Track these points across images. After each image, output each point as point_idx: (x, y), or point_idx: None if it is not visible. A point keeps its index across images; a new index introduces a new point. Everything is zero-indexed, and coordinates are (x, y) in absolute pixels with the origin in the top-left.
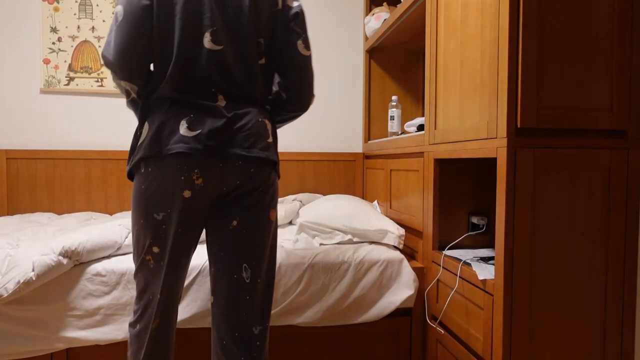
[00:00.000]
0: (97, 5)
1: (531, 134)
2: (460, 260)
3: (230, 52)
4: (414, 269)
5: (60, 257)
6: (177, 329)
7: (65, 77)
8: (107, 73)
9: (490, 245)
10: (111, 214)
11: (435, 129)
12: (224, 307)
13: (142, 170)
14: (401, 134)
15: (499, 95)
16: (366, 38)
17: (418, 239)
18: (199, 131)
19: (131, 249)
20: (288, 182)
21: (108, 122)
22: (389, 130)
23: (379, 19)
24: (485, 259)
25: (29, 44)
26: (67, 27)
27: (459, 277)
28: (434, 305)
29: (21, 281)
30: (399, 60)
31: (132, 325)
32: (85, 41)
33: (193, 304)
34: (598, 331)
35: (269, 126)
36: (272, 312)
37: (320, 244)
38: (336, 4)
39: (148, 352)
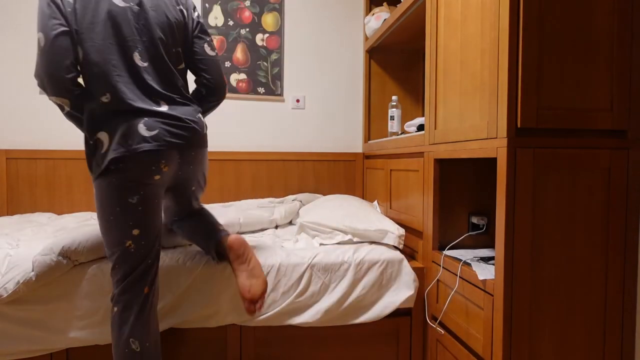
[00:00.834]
0: None
1: (531, 134)
2: (460, 260)
3: (157, 65)
4: (414, 269)
5: (60, 258)
6: (176, 329)
7: None
8: None
9: (490, 245)
10: None
11: (435, 129)
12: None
13: (113, 168)
14: (401, 134)
15: (499, 95)
16: (366, 38)
17: (418, 239)
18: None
19: None
20: (288, 182)
21: None
22: (389, 130)
23: (379, 19)
24: (485, 259)
25: (29, 43)
26: None
27: (459, 277)
28: (434, 305)
29: (21, 281)
30: (399, 60)
31: (126, 309)
32: None
33: (191, 306)
34: (598, 331)
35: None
36: (272, 312)
37: (320, 244)
38: (336, 4)
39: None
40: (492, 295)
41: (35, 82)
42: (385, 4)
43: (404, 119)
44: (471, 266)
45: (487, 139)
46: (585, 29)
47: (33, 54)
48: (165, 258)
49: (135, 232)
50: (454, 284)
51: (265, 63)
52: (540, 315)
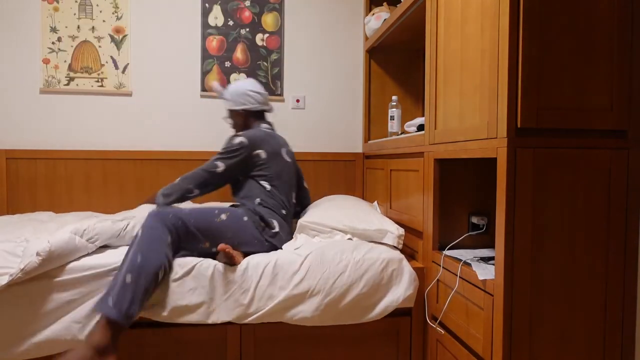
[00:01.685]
0: (97, 5)
1: (531, 134)
2: (460, 260)
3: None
4: (414, 269)
5: (73, 235)
6: (176, 329)
7: (65, 77)
8: (107, 73)
9: (490, 245)
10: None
11: (435, 129)
12: None
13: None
14: (401, 134)
15: (499, 95)
16: (366, 38)
17: (418, 239)
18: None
19: (128, 242)
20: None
21: (108, 122)
22: (389, 130)
23: (379, 19)
24: (485, 259)
25: (29, 43)
26: (66, 27)
27: (459, 277)
28: (434, 305)
29: (40, 252)
30: (399, 60)
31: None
32: (85, 41)
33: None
34: (598, 331)
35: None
36: (269, 307)
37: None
38: (336, 4)
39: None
40: (492, 295)
41: (35, 81)
42: (385, 4)
43: (404, 119)
44: (471, 266)
45: (487, 139)
46: (585, 29)
47: (33, 54)
48: None
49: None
50: (454, 284)
51: (265, 63)
52: (540, 315)
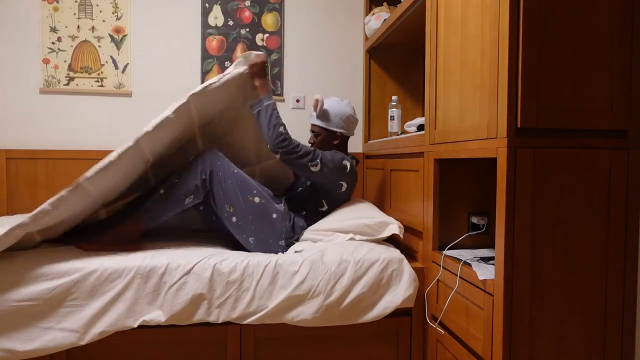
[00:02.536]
0: (97, 5)
1: (531, 134)
2: (460, 260)
3: None
4: (414, 269)
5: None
6: (176, 329)
7: (65, 77)
8: (107, 73)
9: (490, 245)
10: None
11: (435, 129)
12: None
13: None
14: (401, 134)
15: (499, 95)
16: (366, 38)
17: (418, 239)
18: None
19: None
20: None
21: (108, 122)
22: (389, 130)
23: (379, 19)
24: (485, 259)
25: (29, 43)
26: (66, 27)
27: (459, 277)
28: (434, 305)
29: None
30: (399, 60)
31: None
32: (85, 41)
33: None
34: (598, 331)
35: None
36: (270, 308)
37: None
38: (336, 4)
39: None
40: (492, 295)
41: (35, 81)
42: (385, 4)
43: (404, 119)
44: (471, 266)
45: (487, 139)
46: (585, 28)
47: (33, 54)
48: None
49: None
50: (454, 284)
51: (265, 63)
52: (540, 315)
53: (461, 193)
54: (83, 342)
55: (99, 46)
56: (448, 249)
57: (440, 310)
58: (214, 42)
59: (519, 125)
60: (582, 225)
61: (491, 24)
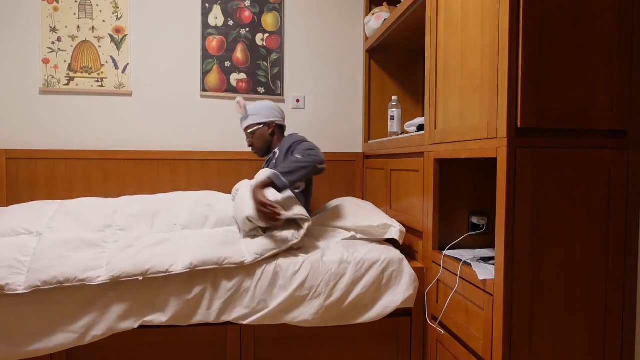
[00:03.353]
0: (97, 5)
1: (531, 134)
2: (460, 260)
3: None
4: (414, 269)
5: None
6: (175, 329)
7: (65, 77)
8: (107, 73)
9: (490, 245)
10: None
11: (435, 129)
12: None
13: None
14: (401, 134)
15: (499, 95)
16: (366, 38)
17: (418, 239)
18: None
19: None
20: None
21: (108, 122)
22: (389, 130)
23: (379, 19)
24: (485, 259)
25: (29, 43)
26: (66, 26)
27: (459, 277)
28: (434, 305)
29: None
30: (399, 60)
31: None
32: (85, 41)
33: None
34: (598, 331)
35: None
36: (271, 309)
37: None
38: (336, 4)
39: None
40: (492, 295)
41: (34, 81)
42: (385, 4)
43: (404, 119)
44: (471, 266)
45: (487, 139)
46: (585, 29)
47: (33, 53)
48: None
49: None
50: (454, 284)
51: (265, 63)
52: (540, 315)
53: (461, 193)
54: (83, 342)
55: (99, 46)
56: (448, 249)
57: (440, 310)
58: (213, 42)
59: (519, 125)
60: (582, 225)
61: (491, 24)
